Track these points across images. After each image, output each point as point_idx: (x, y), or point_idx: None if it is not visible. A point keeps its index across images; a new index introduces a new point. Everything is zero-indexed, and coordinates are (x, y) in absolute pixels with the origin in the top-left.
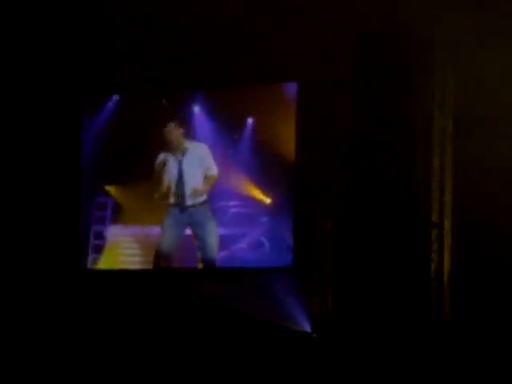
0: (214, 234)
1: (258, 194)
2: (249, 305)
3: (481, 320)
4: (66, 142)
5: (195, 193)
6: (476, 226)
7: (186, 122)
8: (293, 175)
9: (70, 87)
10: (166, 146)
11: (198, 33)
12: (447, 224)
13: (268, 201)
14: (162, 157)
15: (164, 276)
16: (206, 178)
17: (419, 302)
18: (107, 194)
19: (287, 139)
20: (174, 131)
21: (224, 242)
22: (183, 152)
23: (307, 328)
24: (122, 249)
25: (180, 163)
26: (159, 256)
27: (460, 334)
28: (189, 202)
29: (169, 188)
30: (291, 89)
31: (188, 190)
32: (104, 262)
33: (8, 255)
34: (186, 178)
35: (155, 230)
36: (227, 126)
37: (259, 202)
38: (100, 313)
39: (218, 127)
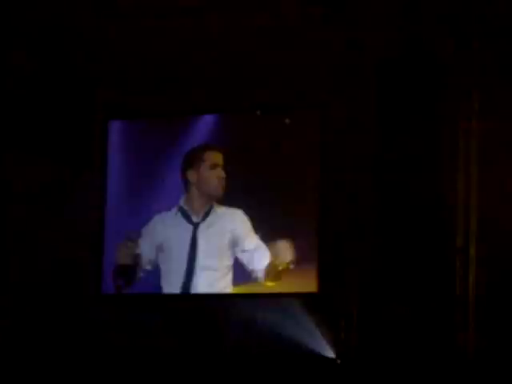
0: None
1: None
2: (273, 330)
3: (506, 346)
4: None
5: None
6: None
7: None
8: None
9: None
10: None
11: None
12: (472, 250)
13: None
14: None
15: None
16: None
17: (444, 328)
18: None
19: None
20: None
21: None
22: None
23: (331, 354)
24: None
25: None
26: None
27: (484, 360)
28: None
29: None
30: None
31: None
32: None
33: None
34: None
35: None
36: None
37: None
38: None
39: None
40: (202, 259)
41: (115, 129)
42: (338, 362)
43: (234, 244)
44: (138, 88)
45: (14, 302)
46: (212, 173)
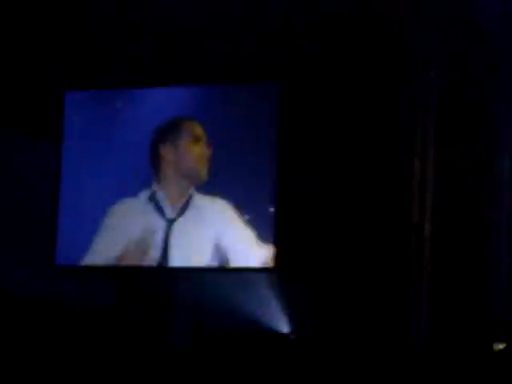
0: None
1: None
2: (229, 306)
3: (458, 324)
4: None
5: None
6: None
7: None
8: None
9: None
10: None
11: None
12: (427, 227)
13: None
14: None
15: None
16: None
17: (399, 304)
18: None
19: None
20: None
21: None
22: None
23: (286, 329)
24: None
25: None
26: None
27: (437, 341)
28: None
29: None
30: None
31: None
32: None
33: None
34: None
35: None
36: None
37: None
38: None
39: None
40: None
41: (73, 99)
42: (292, 337)
43: (219, 250)
44: (97, 58)
45: None
46: (194, 148)
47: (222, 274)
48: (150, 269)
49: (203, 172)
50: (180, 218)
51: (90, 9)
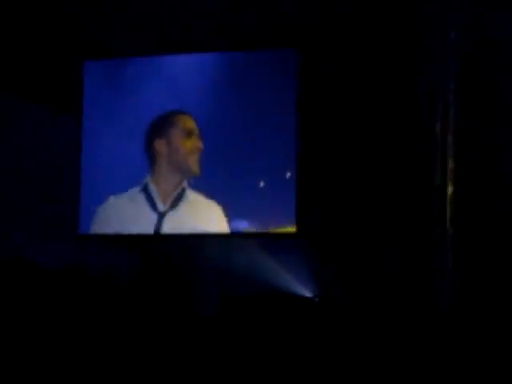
0: None
1: None
2: (250, 271)
3: (484, 286)
4: None
5: None
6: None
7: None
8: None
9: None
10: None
11: None
12: (450, 188)
13: None
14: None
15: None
16: None
17: (422, 269)
18: None
19: None
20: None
21: None
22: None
23: (309, 293)
24: None
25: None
26: None
27: (462, 303)
28: None
29: None
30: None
31: None
32: None
33: None
34: None
35: None
36: None
37: None
38: None
39: None
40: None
41: (91, 69)
42: (316, 300)
43: None
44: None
45: None
46: (187, 142)
47: (246, 239)
48: (173, 236)
49: (195, 166)
50: (171, 211)
51: None
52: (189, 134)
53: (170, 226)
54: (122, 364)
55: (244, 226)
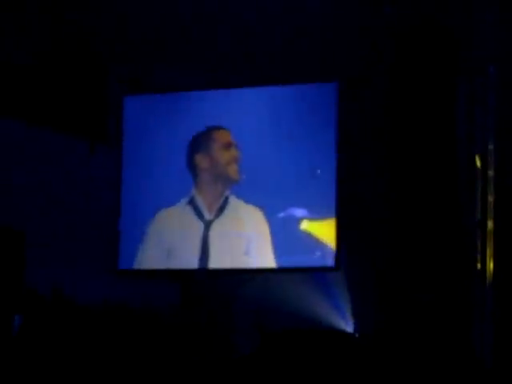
0: None
1: None
2: (291, 305)
3: None
4: None
5: None
6: None
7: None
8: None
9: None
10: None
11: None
12: (490, 223)
13: None
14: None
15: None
16: None
17: (462, 302)
18: None
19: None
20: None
21: None
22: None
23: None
24: None
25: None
26: None
27: (502, 333)
28: None
29: None
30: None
31: None
32: None
33: None
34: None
35: None
36: None
37: None
38: None
39: None
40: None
41: (130, 103)
42: (357, 335)
43: (248, 252)
44: (152, 63)
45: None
46: (226, 153)
47: (285, 274)
48: (210, 270)
49: (234, 174)
50: (217, 219)
51: (144, 16)
52: (226, 145)
53: (217, 233)
54: None
55: None
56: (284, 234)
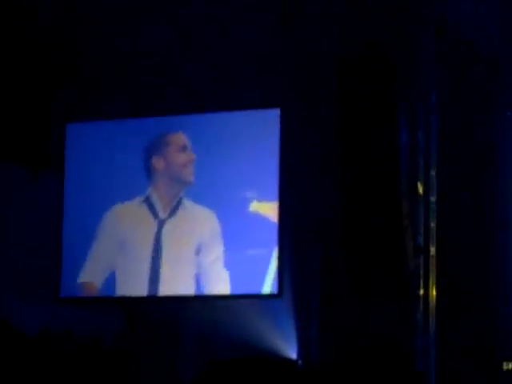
0: None
1: None
2: (234, 332)
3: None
4: None
5: None
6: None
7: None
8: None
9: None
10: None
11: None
12: (432, 249)
13: None
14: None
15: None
16: None
17: (405, 327)
18: None
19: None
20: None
21: None
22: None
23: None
24: None
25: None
26: None
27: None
28: None
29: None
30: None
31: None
32: None
33: None
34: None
35: None
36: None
37: None
38: None
39: None
40: (165, 267)
41: (72, 130)
42: (299, 362)
43: (199, 251)
44: (95, 90)
45: None
46: (181, 156)
47: (230, 300)
48: (155, 298)
49: (189, 176)
50: (170, 219)
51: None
52: (183, 148)
53: (170, 232)
54: None
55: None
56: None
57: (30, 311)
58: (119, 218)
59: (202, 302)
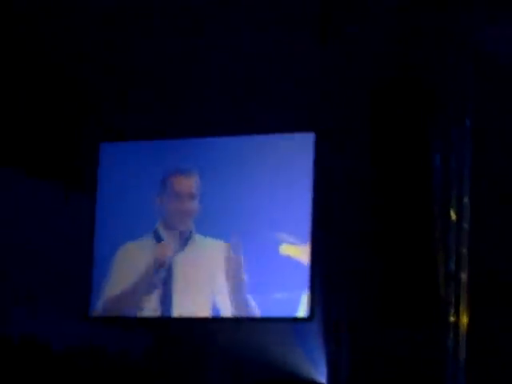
0: None
1: None
2: (262, 356)
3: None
4: None
5: None
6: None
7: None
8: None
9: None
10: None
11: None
12: (464, 276)
13: None
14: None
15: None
16: None
17: (435, 353)
18: None
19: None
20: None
21: None
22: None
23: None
24: None
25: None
26: None
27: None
28: None
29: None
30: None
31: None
32: None
33: None
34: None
35: None
36: None
37: None
38: None
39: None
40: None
41: (106, 150)
42: None
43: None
44: (131, 109)
45: None
46: (175, 204)
47: (259, 323)
48: (183, 319)
49: (184, 226)
50: (180, 253)
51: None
52: (177, 195)
53: (180, 266)
54: None
55: None
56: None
57: (57, 327)
58: (130, 257)
59: (233, 324)
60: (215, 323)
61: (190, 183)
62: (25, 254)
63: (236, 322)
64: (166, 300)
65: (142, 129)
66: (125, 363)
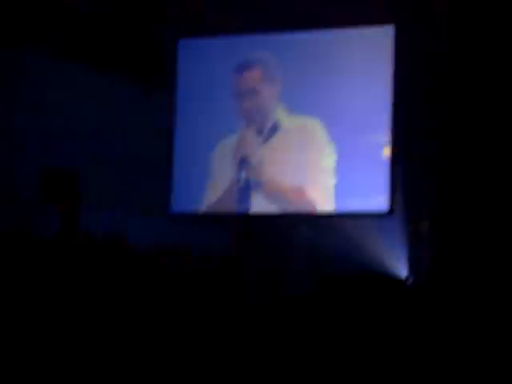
0: None
1: None
2: (343, 250)
3: None
4: None
5: None
6: None
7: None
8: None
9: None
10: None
11: None
12: None
13: None
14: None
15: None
16: None
17: None
18: None
19: None
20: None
21: None
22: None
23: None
24: None
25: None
26: None
27: None
28: None
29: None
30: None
31: None
32: None
33: None
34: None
35: None
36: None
37: None
38: None
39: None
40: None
41: (185, 46)
42: (410, 279)
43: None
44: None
45: None
46: (248, 102)
47: (339, 218)
48: (263, 216)
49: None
50: (267, 143)
51: None
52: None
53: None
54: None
55: None
56: None
57: (141, 226)
58: (219, 159)
59: (314, 219)
60: (293, 218)
61: (258, 74)
62: (106, 155)
63: (318, 217)
64: (245, 197)
65: (219, 25)
66: (204, 260)
